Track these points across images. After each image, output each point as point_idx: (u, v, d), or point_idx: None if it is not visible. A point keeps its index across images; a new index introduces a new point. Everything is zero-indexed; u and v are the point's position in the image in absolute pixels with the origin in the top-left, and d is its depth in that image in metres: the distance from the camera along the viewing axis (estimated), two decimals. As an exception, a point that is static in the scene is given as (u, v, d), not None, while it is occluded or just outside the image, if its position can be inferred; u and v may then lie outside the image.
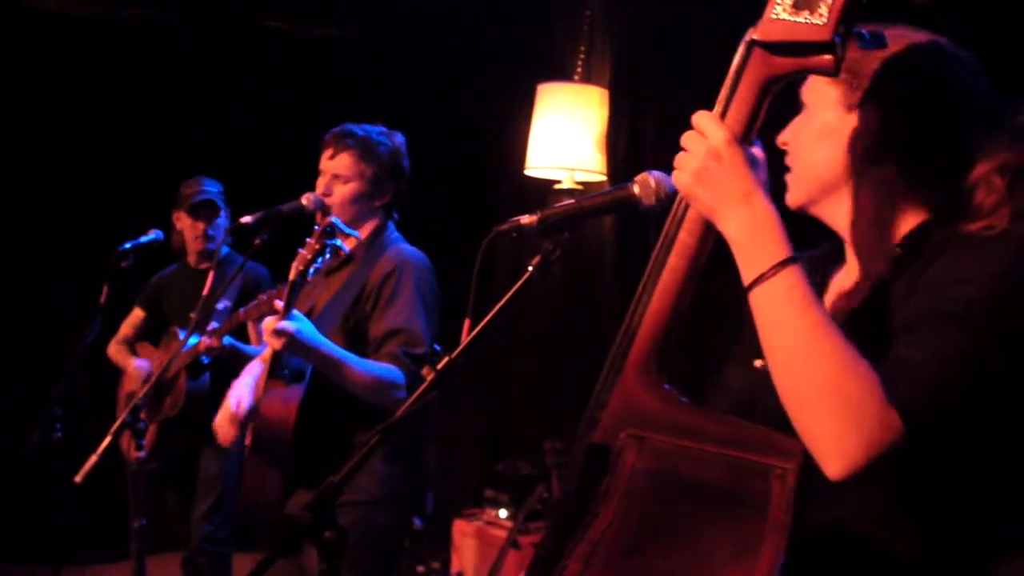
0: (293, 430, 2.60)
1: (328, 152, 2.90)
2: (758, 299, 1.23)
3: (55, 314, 5.38)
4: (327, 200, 2.84)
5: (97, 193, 5.43)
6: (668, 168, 1.52)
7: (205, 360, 3.64)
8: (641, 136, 4.34)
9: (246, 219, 2.88)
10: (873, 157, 1.35)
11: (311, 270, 2.54)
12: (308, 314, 2.72)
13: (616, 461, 1.19)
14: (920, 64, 1.36)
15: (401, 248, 2.88)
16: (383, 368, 2.63)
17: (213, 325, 3.52)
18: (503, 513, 4.26)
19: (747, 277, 1.24)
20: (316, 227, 2.57)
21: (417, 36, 5.34)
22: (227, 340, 3.50)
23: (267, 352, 3.05)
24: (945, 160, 1.33)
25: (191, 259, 4.14)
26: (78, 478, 2.58)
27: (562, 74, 4.38)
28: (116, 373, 4.16)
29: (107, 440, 2.59)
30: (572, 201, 1.52)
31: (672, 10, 4.15)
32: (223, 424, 2.76)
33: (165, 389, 3.81)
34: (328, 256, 2.55)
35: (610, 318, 4.64)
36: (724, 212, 1.25)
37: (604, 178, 4.12)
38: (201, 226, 4.05)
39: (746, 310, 1.59)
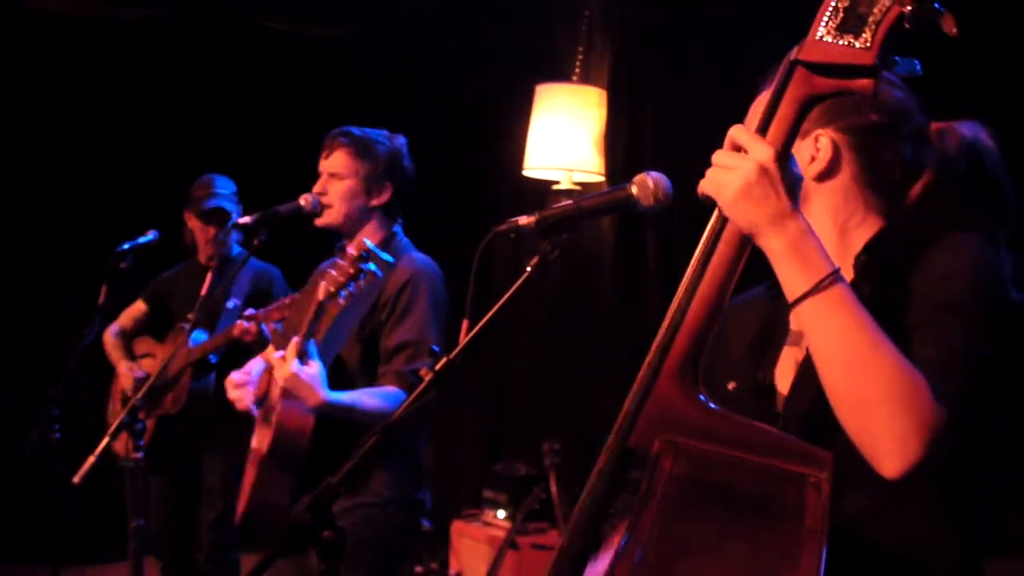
0: (310, 439, 2.60)
1: (325, 152, 2.90)
2: (812, 310, 1.27)
3: (54, 314, 5.38)
4: (323, 199, 2.83)
5: (96, 193, 5.43)
6: (667, 168, 1.53)
7: (213, 359, 3.63)
8: (639, 137, 4.35)
9: (244, 220, 2.88)
10: (832, 173, 1.46)
11: (343, 293, 2.48)
12: None
13: (654, 466, 1.21)
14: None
15: (414, 257, 2.87)
16: (385, 398, 2.62)
17: (224, 323, 3.50)
18: (501, 514, 4.26)
19: (796, 290, 1.28)
20: (350, 251, 2.50)
21: (416, 36, 5.34)
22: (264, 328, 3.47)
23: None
24: (896, 171, 1.46)
25: (201, 257, 4.13)
26: (76, 479, 2.58)
27: (561, 75, 4.39)
28: (115, 372, 4.14)
29: (105, 441, 2.60)
30: (570, 202, 1.53)
31: (670, 11, 4.16)
32: (233, 393, 2.71)
33: (167, 386, 3.79)
34: (362, 281, 2.49)
35: (608, 318, 4.66)
36: (769, 228, 1.28)
37: (602, 179, 4.12)
38: (212, 231, 4.02)
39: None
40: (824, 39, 1.24)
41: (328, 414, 2.56)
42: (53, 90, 5.41)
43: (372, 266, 2.47)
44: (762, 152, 1.27)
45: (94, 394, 4.27)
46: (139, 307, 4.18)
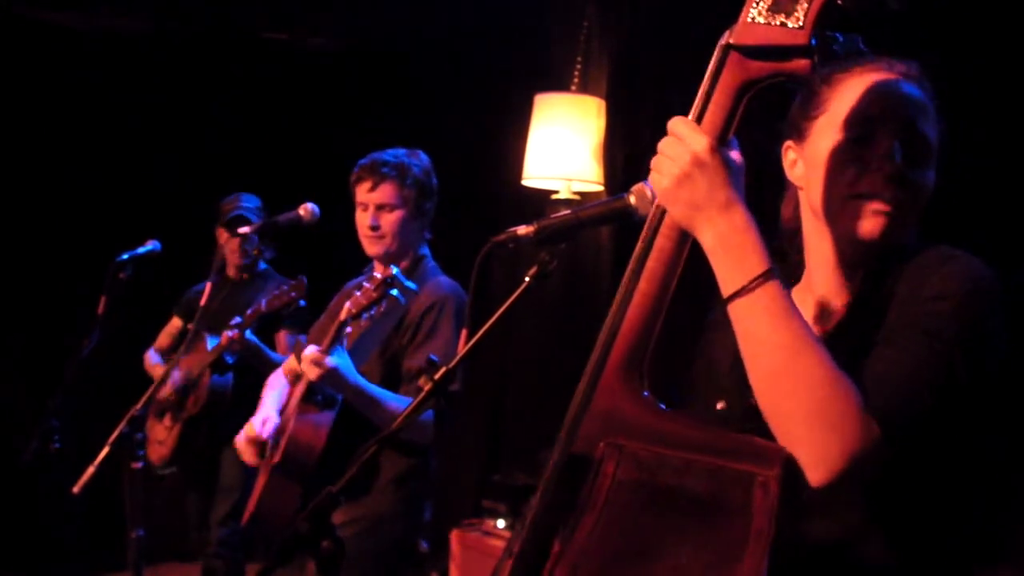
0: (320, 456, 2.63)
1: (367, 184, 2.88)
2: (739, 311, 1.23)
3: (54, 325, 5.37)
4: (376, 233, 2.84)
5: (97, 204, 5.43)
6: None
7: (229, 359, 3.69)
8: (638, 146, 4.35)
9: (244, 230, 2.90)
10: None
11: (364, 315, 2.53)
12: None
13: (597, 471, 1.17)
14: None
15: (440, 281, 2.89)
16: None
17: (236, 320, 3.57)
18: (501, 523, 4.26)
19: (726, 288, 1.24)
20: (376, 275, 2.55)
21: (414, 48, 5.35)
22: (249, 335, 3.54)
23: (293, 364, 3.07)
24: None
25: (231, 271, 4.19)
26: (76, 489, 2.59)
27: (559, 85, 4.39)
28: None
29: (105, 451, 2.60)
30: (569, 212, 1.52)
31: (668, 20, 4.16)
32: (243, 444, 2.79)
33: (189, 387, 3.87)
34: (384, 306, 2.53)
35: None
36: (702, 220, 1.24)
37: (601, 188, 4.13)
38: (236, 240, 4.10)
39: (704, 338, 1.58)
40: (756, 21, 1.20)
41: (356, 403, 2.60)
42: (55, 101, 5.43)
43: (395, 291, 2.50)
44: (698, 142, 1.23)
45: (93, 405, 4.27)
46: (175, 324, 4.33)
